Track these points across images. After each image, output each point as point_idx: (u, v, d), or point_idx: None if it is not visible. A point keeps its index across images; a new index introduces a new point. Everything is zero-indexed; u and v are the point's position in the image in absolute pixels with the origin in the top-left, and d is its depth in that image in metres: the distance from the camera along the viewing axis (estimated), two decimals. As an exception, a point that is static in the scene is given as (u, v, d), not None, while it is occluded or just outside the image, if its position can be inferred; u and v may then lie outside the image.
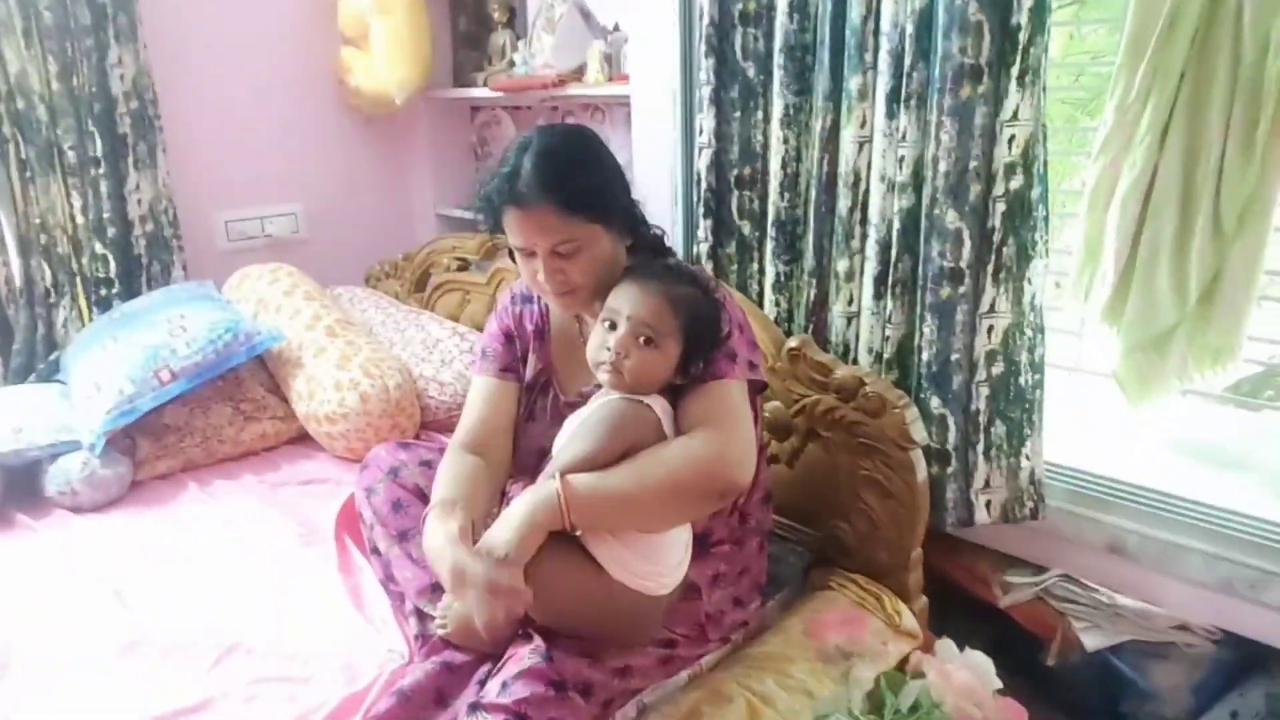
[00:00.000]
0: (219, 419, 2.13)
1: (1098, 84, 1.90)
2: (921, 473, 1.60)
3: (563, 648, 1.22)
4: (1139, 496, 1.66)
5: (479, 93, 2.76)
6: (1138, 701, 1.66)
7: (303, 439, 2.23)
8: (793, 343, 1.74)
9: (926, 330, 1.63)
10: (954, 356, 1.63)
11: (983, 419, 1.65)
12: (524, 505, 1.20)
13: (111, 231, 2.42)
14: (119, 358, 2.05)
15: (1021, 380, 1.62)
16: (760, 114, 1.84)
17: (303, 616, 1.49)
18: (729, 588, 1.44)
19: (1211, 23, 1.38)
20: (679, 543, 1.30)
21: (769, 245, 1.87)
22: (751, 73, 1.82)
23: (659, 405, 1.27)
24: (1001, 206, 1.54)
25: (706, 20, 1.81)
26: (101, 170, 2.37)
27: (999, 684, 1.49)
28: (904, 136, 1.59)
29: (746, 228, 1.92)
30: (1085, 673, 1.69)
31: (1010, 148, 1.51)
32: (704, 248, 1.96)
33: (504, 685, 1.15)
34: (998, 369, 1.62)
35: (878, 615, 1.56)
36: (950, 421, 1.66)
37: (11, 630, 1.47)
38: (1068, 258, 1.65)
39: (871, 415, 1.61)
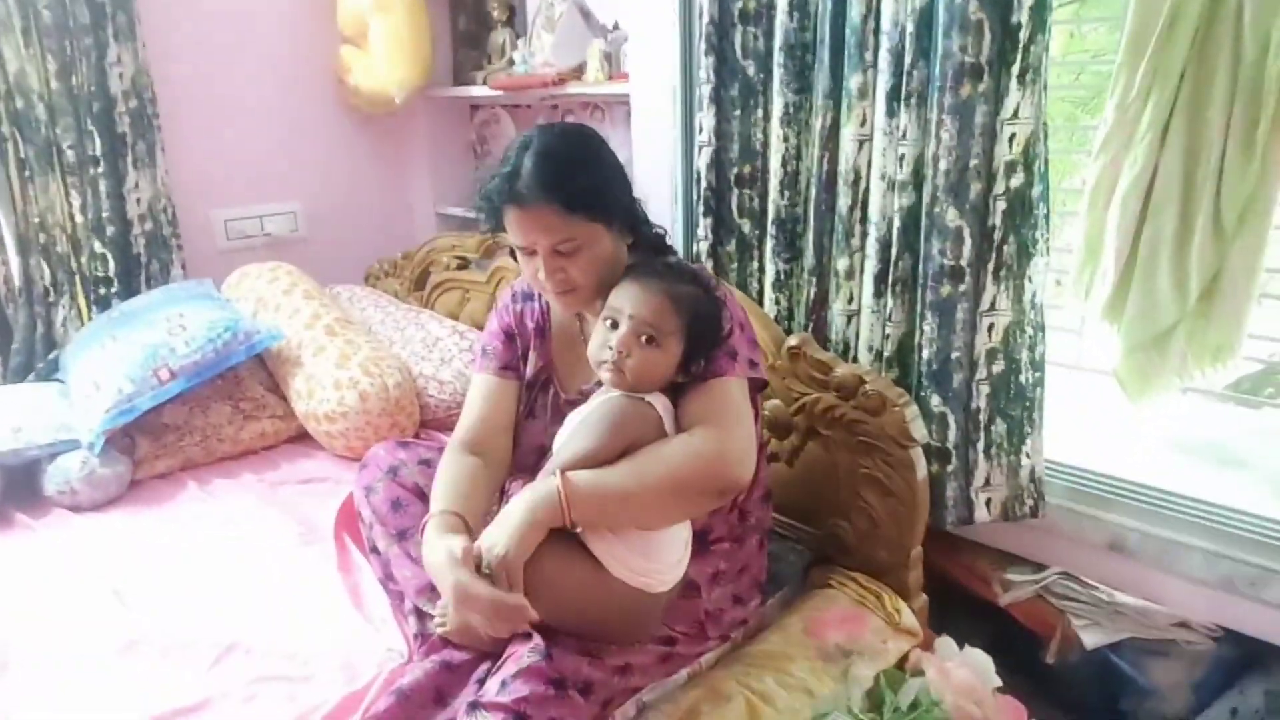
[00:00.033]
0: (218, 418, 2.13)
1: (1098, 82, 1.89)
2: (921, 471, 1.60)
3: (562, 646, 1.22)
4: (1139, 494, 1.66)
5: (478, 91, 2.76)
6: (1137, 699, 1.66)
7: (302, 438, 2.23)
8: (793, 341, 1.74)
9: (927, 328, 1.63)
10: (954, 355, 1.63)
11: (983, 417, 1.65)
12: (524, 502, 1.20)
13: (110, 230, 2.42)
14: (118, 357, 2.05)
15: (1022, 378, 1.62)
16: (760, 112, 1.84)
17: (302, 615, 1.49)
18: (728, 585, 1.44)
19: (1212, 22, 1.38)
20: (679, 540, 1.30)
21: (769, 243, 1.87)
22: (751, 71, 1.82)
23: (660, 403, 1.27)
24: (1002, 205, 1.54)
25: (706, 18, 1.81)
26: (100, 169, 2.37)
27: (998, 682, 1.49)
28: (904, 135, 1.59)
29: (746, 226, 1.92)
30: (1085, 670, 1.69)
31: (1011, 146, 1.50)
32: (704, 246, 1.95)
33: (503, 684, 1.15)
34: (998, 367, 1.62)
35: (877, 613, 1.56)
36: (950, 419, 1.66)
37: (10, 629, 1.47)
38: (1068, 256, 1.65)
39: (871, 413, 1.61)
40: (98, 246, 2.42)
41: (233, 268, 2.59)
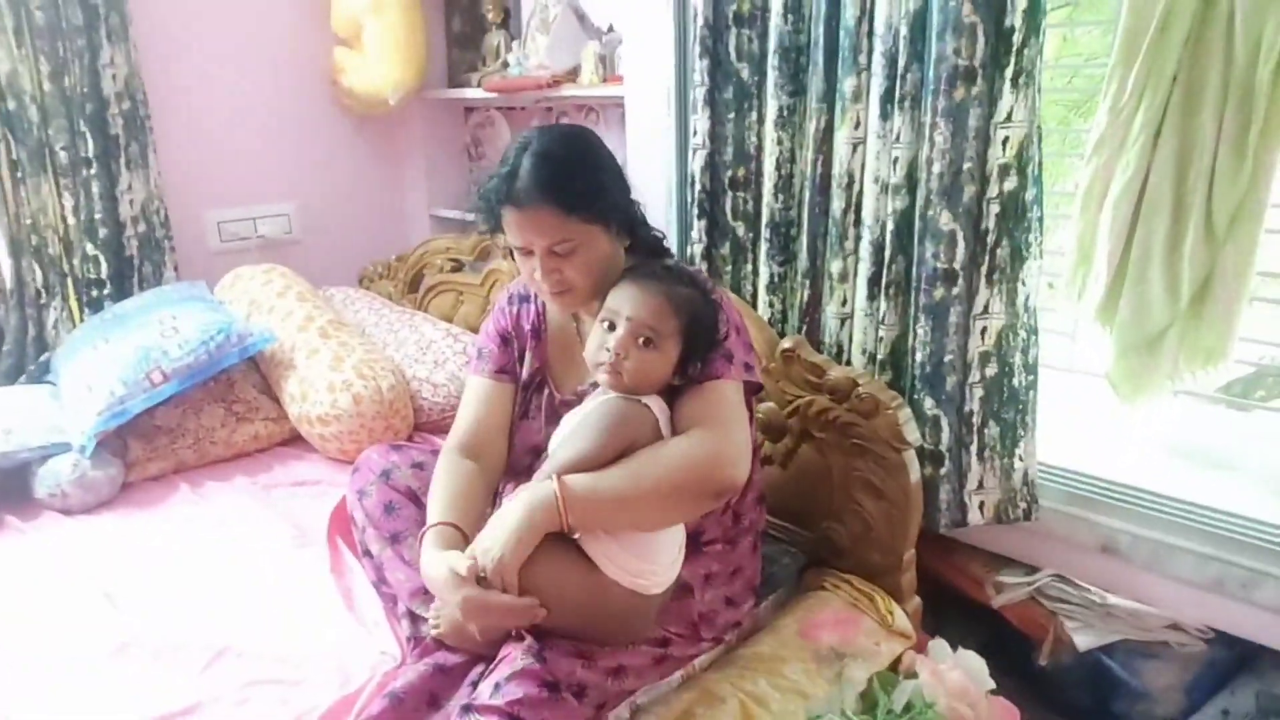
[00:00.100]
0: (211, 420, 2.12)
1: (1091, 86, 1.90)
2: (915, 474, 1.60)
3: (556, 648, 1.22)
4: (1131, 497, 1.66)
5: (473, 93, 2.76)
6: (1129, 701, 1.67)
7: (295, 440, 2.22)
8: (786, 344, 1.74)
9: (920, 331, 1.64)
10: (947, 358, 1.63)
11: (976, 420, 1.65)
12: (520, 507, 1.20)
13: (103, 232, 2.41)
14: (110, 359, 2.04)
15: (1015, 381, 1.62)
16: (754, 115, 1.84)
17: (295, 619, 1.49)
18: (722, 587, 1.44)
19: (1204, 26, 1.38)
20: (673, 541, 1.30)
21: (763, 246, 1.87)
22: (746, 74, 1.82)
23: (656, 405, 1.27)
24: (995, 208, 1.54)
25: (701, 21, 1.81)
26: (93, 171, 2.36)
27: (992, 684, 1.49)
28: (898, 138, 1.59)
29: (740, 229, 1.92)
30: (1077, 672, 1.70)
31: (1004, 149, 1.51)
32: (698, 249, 1.96)
33: (496, 687, 1.14)
34: (991, 370, 1.62)
35: (871, 616, 1.56)
36: (944, 422, 1.66)
37: (1, 632, 1.46)
38: (1061, 259, 1.66)
39: (865, 416, 1.62)
40: (90, 248, 2.41)
41: (226, 270, 2.58)
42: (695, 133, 1.90)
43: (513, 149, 1.33)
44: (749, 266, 1.94)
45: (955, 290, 1.60)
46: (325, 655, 1.38)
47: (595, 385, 1.35)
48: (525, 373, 1.51)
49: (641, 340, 1.24)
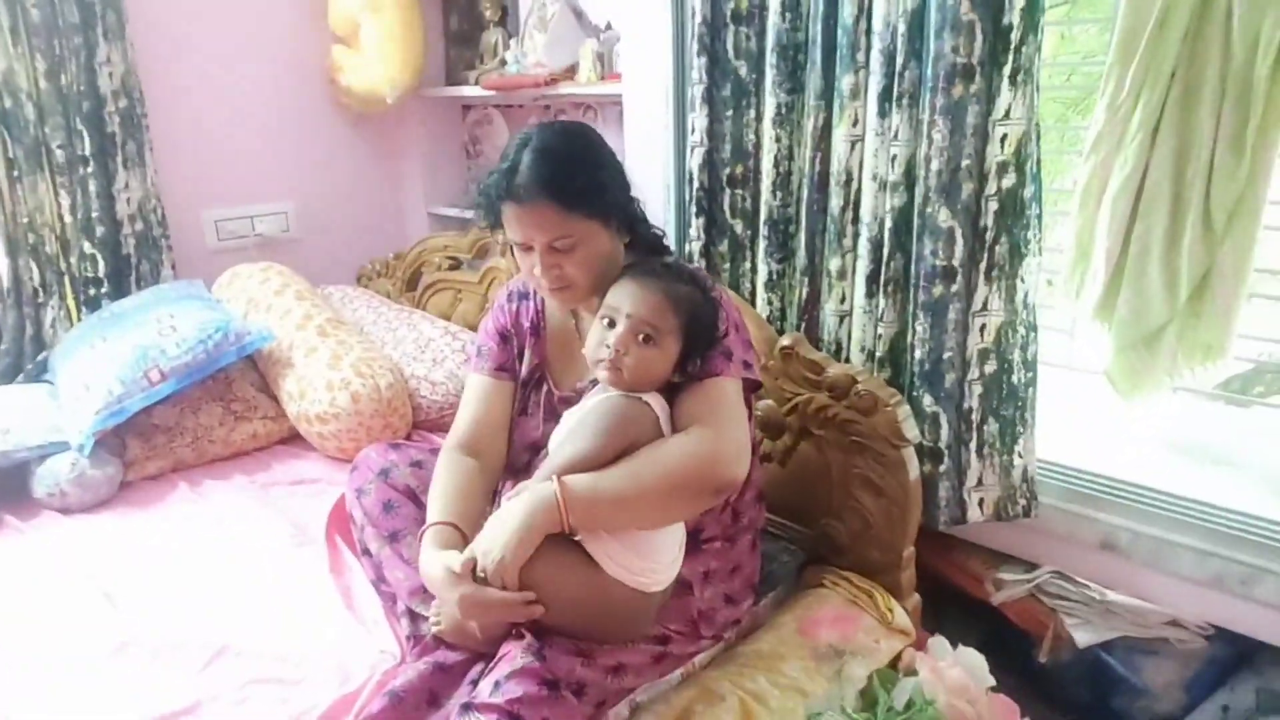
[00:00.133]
0: (209, 419, 2.12)
1: (1089, 83, 1.90)
2: (914, 471, 1.60)
3: (556, 646, 1.22)
4: (1131, 493, 1.66)
5: (471, 91, 2.76)
6: (1129, 698, 1.67)
7: (293, 439, 2.22)
8: (785, 341, 1.74)
9: (919, 328, 1.63)
10: (946, 355, 1.63)
11: (975, 417, 1.65)
12: (521, 507, 1.19)
13: (100, 231, 2.40)
14: (108, 358, 2.03)
15: (1014, 378, 1.62)
16: (752, 113, 1.84)
17: (294, 617, 1.48)
18: (721, 585, 1.44)
19: (1201, 23, 1.38)
20: (673, 540, 1.30)
21: (761, 244, 1.87)
22: (743, 71, 1.82)
23: (657, 403, 1.27)
24: (994, 205, 1.54)
25: (699, 19, 1.81)
26: (90, 169, 2.36)
27: (992, 681, 1.49)
28: (896, 135, 1.59)
29: (739, 226, 1.92)
30: (1077, 669, 1.70)
31: (1002, 146, 1.51)
32: (696, 246, 1.95)
33: (496, 685, 1.14)
34: (990, 367, 1.62)
35: (870, 613, 1.56)
36: (943, 419, 1.66)
37: (1, 632, 1.46)
38: (1059, 256, 1.66)
39: (864, 413, 1.62)
40: (87, 247, 2.40)
41: (224, 268, 2.58)
42: (693, 130, 1.90)
43: (513, 145, 1.33)
44: (747, 264, 1.94)
45: (954, 287, 1.60)
46: (325, 654, 1.38)
47: (594, 382, 1.35)
48: (524, 370, 1.51)
49: (641, 337, 1.24)
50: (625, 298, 1.26)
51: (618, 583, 1.22)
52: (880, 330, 1.70)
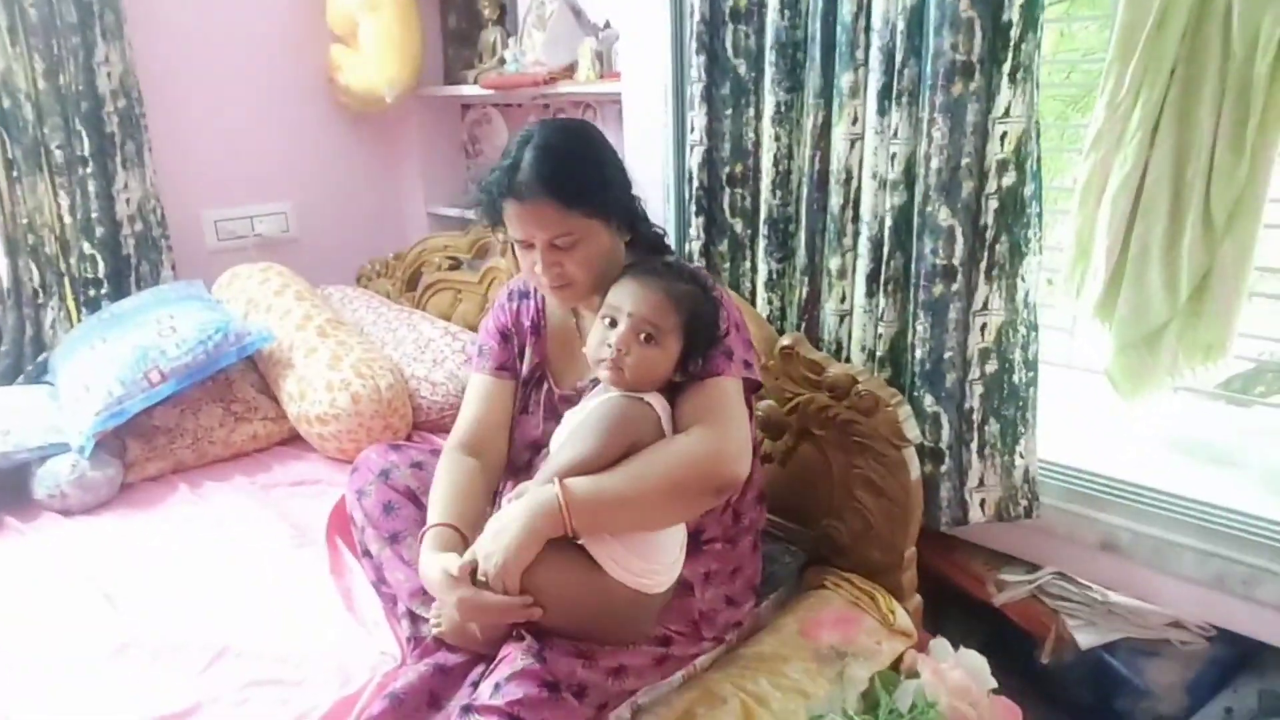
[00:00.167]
0: (209, 420, 2.11)
1: (1089, 81, 1.90)
2: (915, 471, 1.60)
3: (556, 648, 1.21)
4: (1132, 493, 1.66)
5: (469, 90, 2.75)
6: (1132, 699, 1.66)
7: (294, 440, 2.22)
8: (785, 341, 1.73)
9: (919, 328, 1.63)
10: (947, 354, 1.63)
11: (976, 417, 1.65)
12: (523, 511, 1.19)
13: (100, 231, 2.40)
14: (108, 359, 2.03)
15: (1015, 378, 1.62)
16: (751, 111, 1.83)
17: (294, 619, 1.48)
18: (722, 586, 1.44)
19: (1201, 20, 1.38)
20: (675, 541, 1.30)
21: (761, 243, 1.86)
22: (743, 70, 1.81)
23: (658, 403, 1.27)
24: (994, 203, 1.54)
25: (697, 17, 1.81)
26: (89, 169, 2.36)
27: (994, 683, 1.49)
28: (896, 133, 1.59)
29: (738, 225, 1.91)
30: (1079, 671, 1.69)
31: (1002, 144, 1.50)
32: (696, 246, 1.95)
33: (496, 687, 1.14)
34: (991, 367, 1.62)
35: (872, 614, 1.56)
36: (944, 419, 1.65)
37: (1, 633, 1.46)
38: (1059, 254, 1.65)
39: (864, 414, 1.61)
40: (87, 247, 2.40)
41: (223, 268, 2.58)
42: (692, 129, 1.89)
43: (515, 142, 1.33)
44: (747, 263, 1.94)
45: (954, 286, 1.59)
46: (325, 655, 1.38)
47: (595, 381, 1.35)
48: (525, 368, 1.51)
49: (643, 336, 1.24)
50: (626, 297, 1.26)
51: (619, 584, 1.22)
52: (880, 330, 1.70)
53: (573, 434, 1.27)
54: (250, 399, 2.20)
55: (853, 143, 1.67)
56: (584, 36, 2.39)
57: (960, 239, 1.57)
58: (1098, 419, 1.82)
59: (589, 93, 2.44)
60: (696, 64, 1.84)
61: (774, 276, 1.87)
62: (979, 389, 1.63)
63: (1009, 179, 1.52)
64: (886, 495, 1.62)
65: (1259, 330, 1.61)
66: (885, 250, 1.65)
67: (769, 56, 1.75)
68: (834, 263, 1.75)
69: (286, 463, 2.13)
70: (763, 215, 1.84)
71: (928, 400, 1.65)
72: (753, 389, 1.40)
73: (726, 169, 1.88)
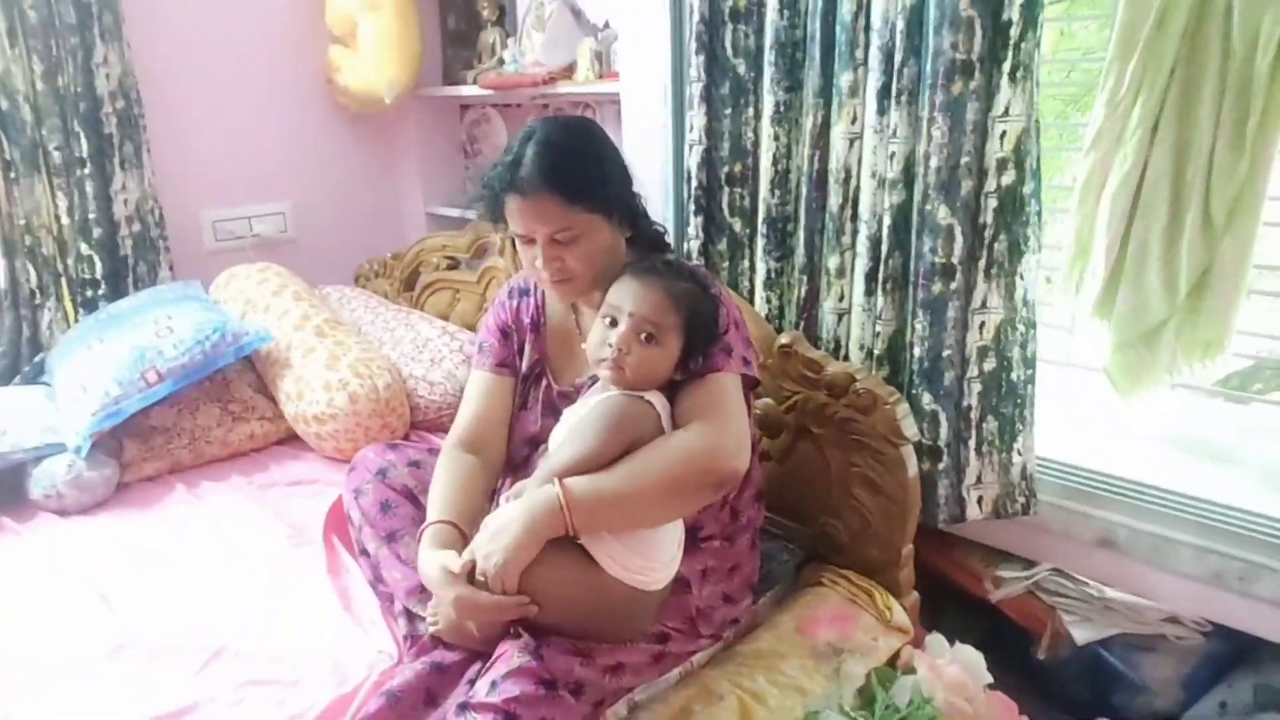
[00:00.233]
0: (207, 420, 2.11)
1: (1088, 79, 1.90)
2: (913, 469, 1.60)
3: (553, 646, 1.21)
4: (1129, 490, 1.66)
5: (468, 91, 2.75)
6: (1128, 694, 1.67)
7: (291, 440, 2.22)
8: (784, 339, 1.73)
9: (918, 326, 1.63)
10: (945, 352, 1.63)
11: (974, 415, 1.65)
12: (523, 511, 1.19)
13: (97, 232, 2.40)
14: (105, 359, 2.03)
15: (1013, 376, 1.62)
16: (751, 111, 1.83)
17: (291, 618, 1.48)
18: (719, 584, 1.44)
19: (1201, 19, 1.38)
20: (673, 538, 1.29)
21: (760, 242, 1.86)
22: (742, 69, 1.81)
23: (658, 400, 1.27)
24: (993, 202, 1.54)
25: (697, 17, 1.81)
26: (87, 170, 2.35)
27: (990, 679, 1.49)
28: (895, 133, 1.59)
29: (737, 225, 1.91)
30: (1075, 666, 1.70)
31: (1002, 143, 1.50)
32: (695, 245, 1.95)
33: (493, 684, 1.14)
34: (989, 365, 1.62)
35: (869, 611, 1.56)
36: (942, 417, 1.65)
37: (-3, 634, 1.46)
38: (1058, 253, 1.65)
39: (862, 412, 1.61)
40: (84, 248, 2.40)
41: (221, 269, 2.58)
42: (691, 129, 1.89)
43: (517, 138, 1.34)
44: (746, 262, 1.94)
45: (953, 285, 1.59)
46: (322, 655, 1.38)
47: (594, 378, 1.35)
48: (524, 365, 1.51)
49: (644, 336, 1.24)
50: (627, 296, 1.26)
51: (617, 582, 1.22)
52: (879, 328, 1.70)
53: (572, 432, 1.27)
54: (248, 399, 2.20)
55: (852, 142, 1.67)
56: (583, 37, 2.39)
57: (959, 237, 1.57)
58: (1096, 416, 1.82)
59: (588, 93, 2.44)
60: (696, 64, 1.84)
61: (772, 275, 1.87)
62: (977, 387, 1.63)
63: (1008, 178, 1.52)
64: (884, 493, 1.62)
65: (1257, 328, 1.62)
66: (884, 249, 1.65)
67: (768, 56, 1.75)
68: (833, 261, 1.75)
69: (284, 462, 2.12)
70: (761, 214, 1.84)
71: (926, 398, 1.65)
72: (751, 386, 1.40)
73: (725, 168, 1.88)
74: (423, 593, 1.38)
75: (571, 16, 2.45)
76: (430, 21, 2.89)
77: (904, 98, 1.56)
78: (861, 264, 1.69)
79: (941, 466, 1.67)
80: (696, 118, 1.87)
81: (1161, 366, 1.54)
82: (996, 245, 1.56)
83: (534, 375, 1.50)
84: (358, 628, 1.45)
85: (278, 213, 2.89)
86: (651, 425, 1.25)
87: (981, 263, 1.58)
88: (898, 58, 1.55)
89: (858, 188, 1.69)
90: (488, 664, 1.21)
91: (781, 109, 1.76)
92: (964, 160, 1.53)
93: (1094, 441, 1.79)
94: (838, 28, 1.63)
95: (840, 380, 1.63)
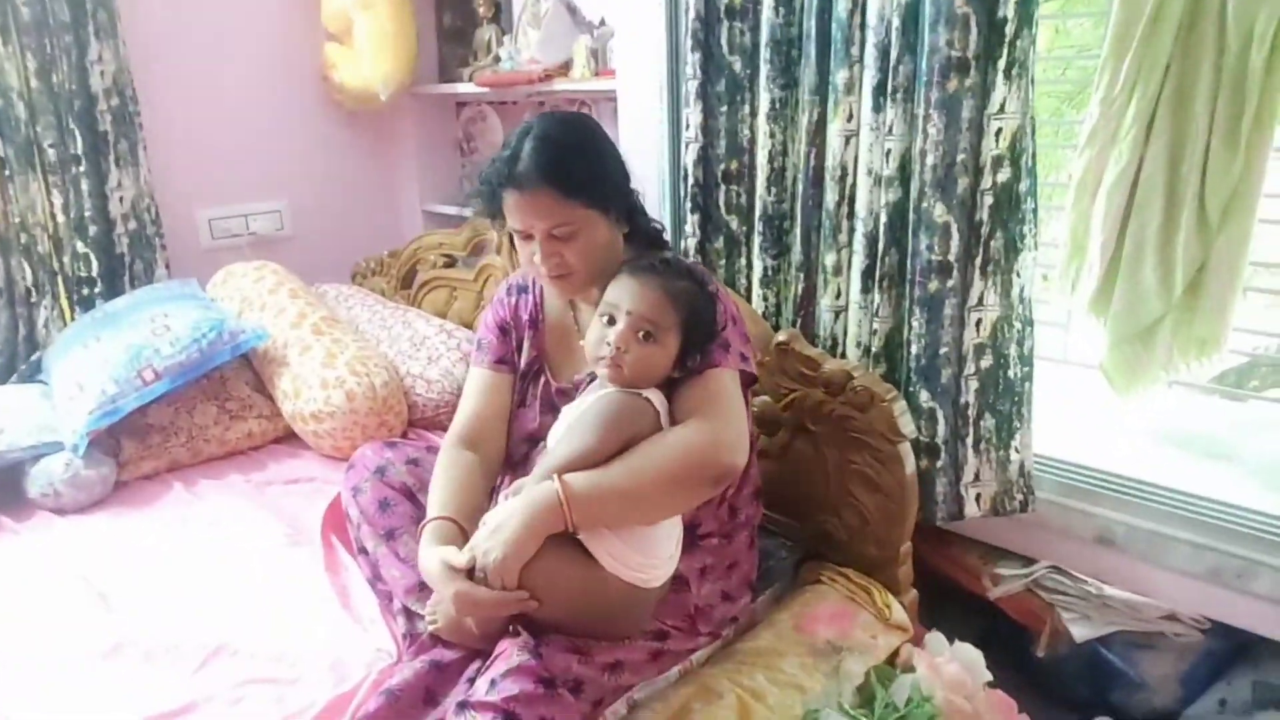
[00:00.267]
0: (204, 418, 2.11)
1: (1084, 77, 1.90)
2: (910, 466, 1.60)
3: (552, 644, 1.21)
4: (1127, 487, 1.66)
5: (464, 88, 2.75)
6: (1127, 692, 1.67)
7: (289, 438, 2.21)
8: (781, 337, 1.73)
9: (915, 324, 1.63)
10: (943, 350, 1.63)
11: (972, 412, 1.65)
12: (522, 507, 1.19)
13: (93, 230, 2.39)
14: (102, 357, 2.03)
15: (1010, 373, 1.62)
16: (746, 108, 1.83)
17: (290, 617, 1.48)
18: (718, 581, 1.44)
19: (1195, 16, 1.38)
20: (671, 536, 1.30)
21: (756, 240, 1.86)
22: (737, 67, 1.81)
23: (657, 398, 1.27)
24: (989, 199, 1.54)
25: (692, 14, 1.81)
26: (82, 168, 2.35)
27: (989, 676, 1.49)
28: (890, 130, 1.59)
29: (734, 222, 1.91)
30: (1074, 664, 1.70)
31: (998, 141, 1.51)
32: (692, 243, 1.95)
33: (492, 683, 1.14)
34: (986, 362, 1.62)
35: (868, 609, 1.56)
36: (939, 415, 1.66)
37: (-6, 633, 1.45)
38: (1054, 250, 1.65)
39: (860, 409, 1.61)
40: (80, 246, 2.40)
41: (217, 267, 2.57)
42: (688, 126, 1.89)
43: (515, 134, 1.35)
44: (743, 260, 1.94)
45: (950, 282, 1.59)
46: (320, 653, 1.38)
47: (592, 375, 1.35)
48: (523, 362, 1.51)
49: (642, 334, 1.24)
50: (625, 294, 1.26)
51: (615, 579, 1.22)
52: (876, 326, 1.70)
53: (570, 429, 1.27)
54: (245, 397, 2.20)
55: (848, 139, 1.67)
56: (579, 34, 2.39)
57: (955, 235, 1.57)
58: (1093, 414, 1.82)
59: (584, 90, 2.44)
60: (691, 61, 1.84)
61: (769, 273, 1.87)
62: (974, 384, 1.64)
63: (1004, 175, 1.52)
64: (882, 490, 1.62)
65: (1253, 325, 1.62)
66: (880, 246, 1.65)
67: (764, 53, 1.75)
68: (829, 259, 1.75)
69: (282, 460, 2.12)
70: (758, 212, 1.84)
71: (923, 395, 1.65)
72: (749, 382, 1.40)
73: (722, 166, 1.88)
74: (421, 591, 1.38)
75: (567, 14, 2.45)
76: (426, 19, 2.89)
77: (900, 95, 1.56)
78: (858, 261, 1.69)
79: (939, 464, 1.68)
80: (693, 115, 1.87)
81: (1158, 363, 1.54)
82: (993, 243, 1.56)
83: (533, 372, 1.50)
84: (356, 626, 1.45)
85: (274, 210, 2.89)
86: (649, 422, 1.25)
87: (978, 260, 1.58)
88: (893, 55, 1.55)
89: (854, 185, 1.69)
90: (487, 662, 1.22)
91: (777, 106, 1.76)
92: (960, 158, 1.53)
93: (1091, 439, 1.79)
94: (833, 25, 1.63)
95: (837, 378, 1.63)
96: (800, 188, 1.77)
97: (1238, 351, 1.64)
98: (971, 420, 1.65)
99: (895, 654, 1.51)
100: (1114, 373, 1.59)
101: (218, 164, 2.73)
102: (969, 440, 1.66)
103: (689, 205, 1.93)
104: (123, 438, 2.00)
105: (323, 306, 2.38)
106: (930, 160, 1.54)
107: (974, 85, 1.50)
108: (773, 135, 1.78)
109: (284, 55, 2.79)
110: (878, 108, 1.60)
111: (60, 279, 2.41)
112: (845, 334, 1.77)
